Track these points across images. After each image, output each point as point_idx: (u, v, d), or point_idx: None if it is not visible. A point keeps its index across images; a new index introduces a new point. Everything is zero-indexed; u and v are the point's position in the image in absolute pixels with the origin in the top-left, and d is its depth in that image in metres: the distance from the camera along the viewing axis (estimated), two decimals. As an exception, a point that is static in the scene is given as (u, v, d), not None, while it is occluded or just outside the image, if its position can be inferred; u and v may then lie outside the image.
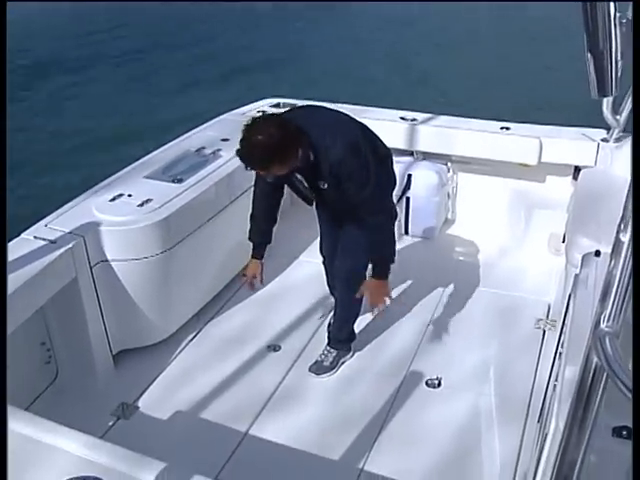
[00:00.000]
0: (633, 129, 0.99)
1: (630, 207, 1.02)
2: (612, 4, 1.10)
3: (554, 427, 1.65)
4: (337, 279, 2.86)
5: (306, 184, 2.57)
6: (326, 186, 2.48)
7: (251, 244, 2.79)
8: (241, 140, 2.24)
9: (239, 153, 2.26)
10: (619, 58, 1.14)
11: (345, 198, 2.48)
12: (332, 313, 3.01)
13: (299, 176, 2.55)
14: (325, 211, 2.84)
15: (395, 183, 2.82)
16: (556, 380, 1.99)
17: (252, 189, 3.19)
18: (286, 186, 2.69)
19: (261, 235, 2.75)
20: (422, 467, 2.43)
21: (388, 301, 2.63)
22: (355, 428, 2.59)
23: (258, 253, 2.78)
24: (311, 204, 2.76)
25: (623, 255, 1.04)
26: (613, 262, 1.07)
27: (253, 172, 3.19)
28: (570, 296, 2.33)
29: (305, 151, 2.35)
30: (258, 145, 2.20)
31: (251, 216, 2.76)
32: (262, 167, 2.30)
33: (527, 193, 3.78)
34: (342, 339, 2.97)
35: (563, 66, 8.70)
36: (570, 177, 3.66)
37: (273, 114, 2.58)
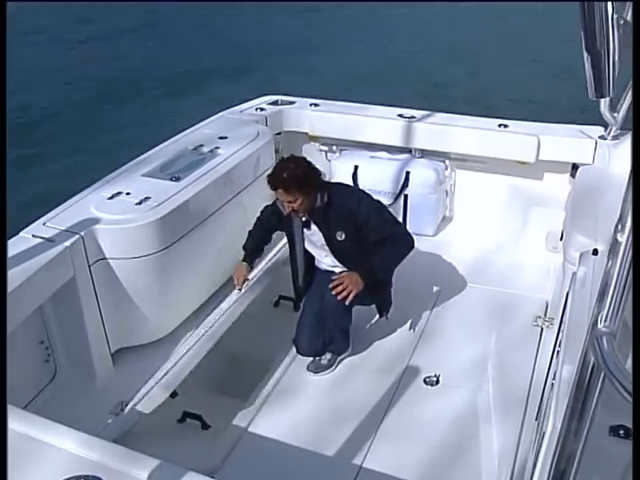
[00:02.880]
0: (633, 128, 0.99)
1: (629, 207, 1.02)
2: (610, 4, 1.10)
3: (552, 425, 1.66)
4: (329, 305, 2.80)
5: (319, 239, 2.80)
6: (343, 237, 2.72)
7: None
8: (274, 167, 2.73)
9: (268, 175, 2.69)
10: (616, 59, 1.14)
11: (362, 245, 2.72)
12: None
13: (313, 227, 2.79)
14: (321, 276, 2.94)
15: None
16: (554, 378, 2.00)
17: (249, 189, 3.25)
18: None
19: (254, 250, 3.04)
20: (419, 463, 2.44)
21: (350, 297, 2.62)
22: (352, 424, 2.60)
23: (250, 259, 3.00)
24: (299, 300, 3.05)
25: (620, 255, 1.04)
26: (610, 262, 1.07)
27: (251, 170, 3.31)
28: (568, 294, 2.33)
29: (323, 196, 2.72)
30: (287, 169, 2.65)
31: (250, 232, 3.07)
32: (285, 186, 2.63)
33: (525, 190, 3.78)
34: (337, 345, 2.97)
35: (561, 63, 8.71)
36: (568, 175, 3.66)
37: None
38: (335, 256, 2.83)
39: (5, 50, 2.22)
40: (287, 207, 2.71)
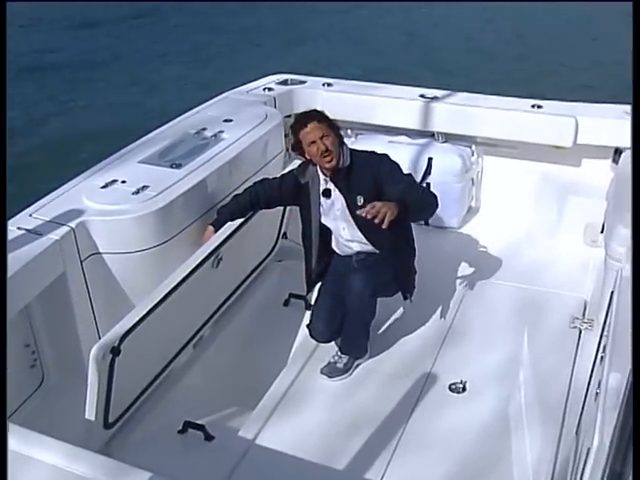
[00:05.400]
0: (633, 128, 0.93)
1: None
2: None
3: (598, 442, 1.61)
4: (352, 293, 2.81)
5: (340, 206, 2.81)
6: (362, 201, 2.70)
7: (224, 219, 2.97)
8: (295, 118, 2.85)
9: (294, 122, 2.79)
10: None
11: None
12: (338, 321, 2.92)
13: (334, 194, 2.80)
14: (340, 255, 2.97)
15: None
16: (598, 387, 1.93)
17: (256, 176, 3.25)
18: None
19: (230, 214, 2.97)
20: (443, 479, 2.38)
21: (386, 221, 2.49)
22: (369, 436, 2.56)
23: (218, 225, 2.94)
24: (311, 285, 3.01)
25: None
26: None
27: (258, 156, 3.27)
28: (612, 294, 2.27)
29: (346, 156, 2.77)
30: (313, 110, 2.83)
31: (236, 196, 3.03)
32: (318, 118, 2.73)
33: (561, 178, 3.72)
34: (357, 343, 2.94)
35: (603, 39, 8.63)
36: (610, 160, 3.61)
37: None
38: (356, 224, 2.81)
39: (5, 50, 2.32)
40: (318, 149, 2.68)
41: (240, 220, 2.96)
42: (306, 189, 2.87)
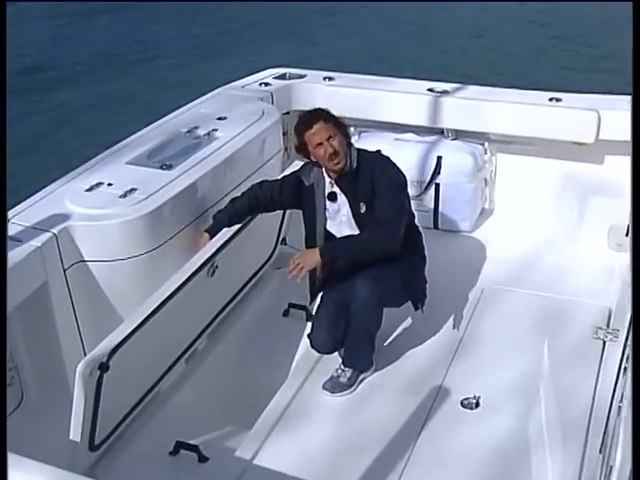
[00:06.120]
0: (632, 128, 0.93)
1: None
2: None
3: (620, 458, 1.60)
4: (357, 300, 2.81)
5: (345, 212, 2.85)
6: (364, 209, 2.79)
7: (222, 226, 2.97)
8: (299, 117, 2.85)
9: (299, 121, 2.80)
10: None
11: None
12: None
13: (340, 198, 2.83)
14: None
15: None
16: (621, 401, 1.93)
17: (253, 178, 3.25)
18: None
19: (228, 224, 2.96)
20: None
21: (303, 273, 2.74)
22: (376, 456, 2.55)
23: (213, 231, 2.95)
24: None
25: None
26: None
27: (255, 156, 3.28)
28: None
29: (352, 159, 2.80)
30: (320, 109, 2.84)
31: (233, 200, 3.04)
32: (325, 117, 2.74)
33: (582, 177, 3.71)
34: (361, 356, 2.93)
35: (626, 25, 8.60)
36: None
37: None
38: (360, 231, 2.84)
39: (5, 50, 2.36)
40: (325, 152, 2.70)
41: (238, 226, 2.97)
42: (310, 192, 2.88)
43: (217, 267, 2.85)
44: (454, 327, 3.20)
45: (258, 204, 3.00)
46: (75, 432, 2.29)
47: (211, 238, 2.91)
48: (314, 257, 2.72)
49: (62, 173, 2.99)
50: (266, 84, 3.95)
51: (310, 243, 2.96)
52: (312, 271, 2.96)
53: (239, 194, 3.07)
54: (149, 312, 2.43)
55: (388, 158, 2.87)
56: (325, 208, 2.87)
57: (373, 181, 2.77)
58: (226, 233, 2.91)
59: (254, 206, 3.00)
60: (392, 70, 4.84)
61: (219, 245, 2.84)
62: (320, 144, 2.70)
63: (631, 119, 0.83)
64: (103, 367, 2.24)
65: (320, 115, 2.75)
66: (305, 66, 4.25)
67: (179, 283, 2.58)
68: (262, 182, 3.07)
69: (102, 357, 2.24)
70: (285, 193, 2.97)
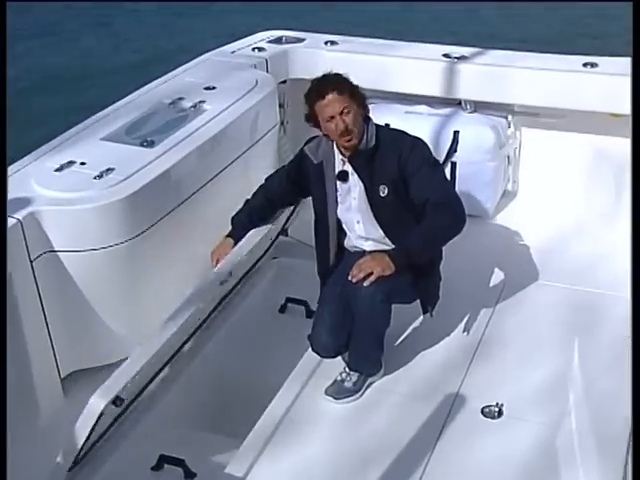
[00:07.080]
0: (632, 128, 0.89)
1: None
2: None
3: None
4: (360, 297, 2.79)
5: (357, 195, 2.81)
6: (386, 192, 2.75)
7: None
8: (312, 83, 2.77)
9: (311, 88, 2.74)
10: None
11: (406, 209, 2.77)
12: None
13: (352, 178, 2.80)
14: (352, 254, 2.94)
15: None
16: None
17: (246, 156, 3.22)
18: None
19: (248, 224, 3.02)
20: None
21: (371, 278, 2.64)
22: (384, 470, 2.55)
23: (236, 234, 3.00)
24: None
25: None
26: None
27: (247, 131, 3.26)
28: None
29: (370, 135, 2.76)
30: (335, 74, 2.77)
31: (247, 200, 3.06)
32: (339, 87, 2.69)
33: (619, 154, 3.63)
34: (368, 358, 2.93)
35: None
36: None
37: None
38: (376, 219, 2.83)
39: (5, 50, 2.47)
40: (336, 127, 2.67)
41: (265, 227, 3.02)
42: (320, 171, 2.85)
43: (231, 274, 2.89)
44: (473, 325, 3.20)
45: (274, 198, 3.05)
46: (66, 460, 2.34)
47: (235, 243, 2.95)
48: (384, 262, 2.63)
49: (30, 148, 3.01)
50: (260, 49, 3.97)
51: (320, 230, 2.94)
52: (322, 262, 2.97)
53: (239, 191, 3.12)
54: (166, 340, 2.52)
55: (416, 138, 2.85)
56: (336, 189, 2.85)
57: (401, 161, 2.73)
58: (251, 239, 2.95)
59: (271, 201, 3.05)
60: (402, 33, 4.78)
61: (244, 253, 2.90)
62: (332, 117, 2.68)
63: (631, 118, 0.81)
64: (118, 401, 2.31)
65: (335, 84, 2.71)
66: (304, 28, 4.21)
67: (196, 307, 2.66)
68: (270, 175, 3.10)
69: (116, 390, 2.28)
70: (293, 177, 2.97)
